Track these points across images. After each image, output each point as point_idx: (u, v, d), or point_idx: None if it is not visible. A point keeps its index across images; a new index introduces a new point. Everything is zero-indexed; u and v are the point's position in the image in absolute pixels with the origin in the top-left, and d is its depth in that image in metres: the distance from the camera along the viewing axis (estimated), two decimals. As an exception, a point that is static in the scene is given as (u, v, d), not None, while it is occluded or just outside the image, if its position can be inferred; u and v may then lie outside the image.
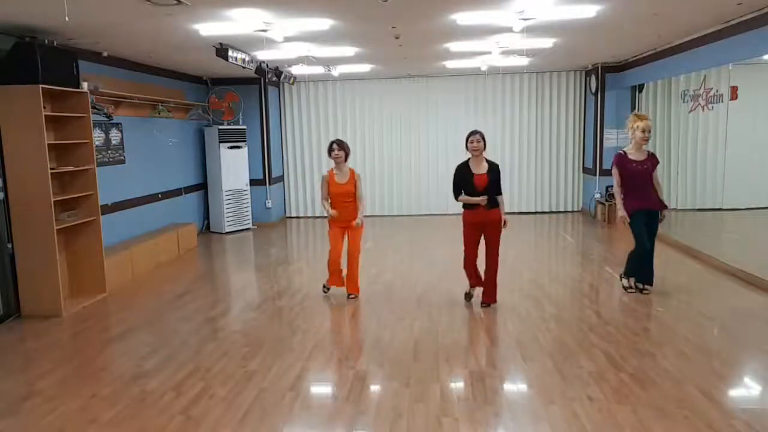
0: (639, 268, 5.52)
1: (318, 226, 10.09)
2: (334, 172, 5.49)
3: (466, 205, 5.14)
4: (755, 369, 4.00)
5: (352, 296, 5.65)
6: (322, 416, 3.39)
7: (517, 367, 3.99)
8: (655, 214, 5.40)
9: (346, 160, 5.47)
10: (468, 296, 5.44)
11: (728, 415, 3.23)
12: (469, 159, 5.12)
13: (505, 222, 5.14)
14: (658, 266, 5.65)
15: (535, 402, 3.45)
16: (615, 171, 5.43)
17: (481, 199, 5.04)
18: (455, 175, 5.15)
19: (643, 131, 5.30)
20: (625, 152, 5.46)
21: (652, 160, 5.41)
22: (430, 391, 3.62)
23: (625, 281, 5.65)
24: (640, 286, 5.55)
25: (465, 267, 5.29)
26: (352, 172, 5.51)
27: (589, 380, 3.69)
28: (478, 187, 5.05)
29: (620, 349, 4.21)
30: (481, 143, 5.06)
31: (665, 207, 5.46)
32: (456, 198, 5.16)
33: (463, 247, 5.21)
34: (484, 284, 5.29)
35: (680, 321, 4.87)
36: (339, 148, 5.42)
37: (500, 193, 5.14)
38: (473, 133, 5.12)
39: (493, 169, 5.11)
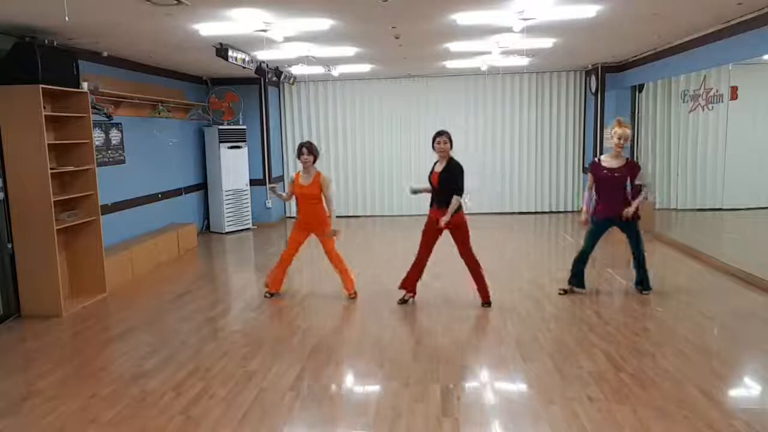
0: (579, 273, 5.57)
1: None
2: (301, 174, 5.56)
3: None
4: (755, 369, 4.00)
5: (352, 296, 5.65)
6: (322, 416, 3.39)
7: (517, 367, 3.99)
8: (626, 223, 5.34)
9: (314, 163, 5.52)
10: (402, 301, 5.46)
11: (728, 415, 3.23)
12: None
13: (439, 221, 5.03)
14: (659, 266, 5.65)
15: (535, 402, 3.45)
16: (589, 175, 5.52)
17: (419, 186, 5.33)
18: None
19: (619, 138, 5.25)
20: (599, 159, 5.49)
21: (629, 169, 5.30)
22: (430, 391, 3.62)
23: (567, 287, 5.65)
24: (639, 288, 5.57)
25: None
26: (318, 174, 5.48)
27: (589, 380, 3.69)
28: (432, 184, 5.19)
29: (620, 349, 4.21)
30: (447, 144, 5.10)
31: (628, 218, 5.25)
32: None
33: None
34: (476, 284, 5.31)
35: (680, 321, 4.87)
36: (308, 153, 5.46)
37: (458, 194, 5.01)
38: (440, 134, 5.12)
39: (449, 169, 5.06)
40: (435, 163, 5.26)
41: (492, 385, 3.74)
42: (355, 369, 4.04)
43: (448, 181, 5.03)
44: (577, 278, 5.61)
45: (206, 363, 4.17)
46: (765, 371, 3.94)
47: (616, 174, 5.28)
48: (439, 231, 5.18)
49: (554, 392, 3.55)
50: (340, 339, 4.82)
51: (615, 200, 5.29)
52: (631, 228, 5.39)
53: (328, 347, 4.48)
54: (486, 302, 5.29)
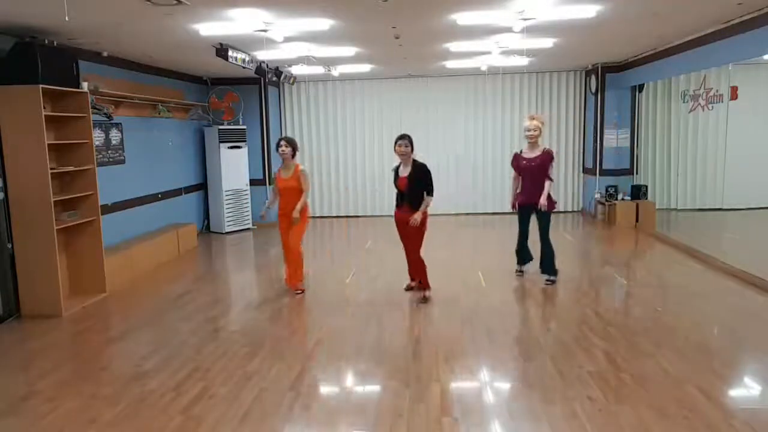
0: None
1: (318, 226, 10.08)
2: (282, 168, 5.76)
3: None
4: (755, 369, 4.00)
5: (298, 291, 5.84)
6: (322, 416, 3.39)
7: (517, 367, 3.99)
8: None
9: (293, 156, 5.69)
10: (408, 287, 5.79)
11: (728, 414, 3.23)
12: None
13: (411, 220, 5.19)
14: (659, 266, 5.64)
15: (535, 402, 3.45)
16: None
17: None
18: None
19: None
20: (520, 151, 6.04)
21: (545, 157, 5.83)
22: (430, 391, 3.62)
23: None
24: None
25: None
26: (297, 167, 5.68)
27: (589, 380, 3.69)
28: (399, 188, 5.35)
29: (620, 349, 4.21)
30: (409, 148, 5.26)
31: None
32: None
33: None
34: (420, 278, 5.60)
35: (680, 321, 4.87)
36: (286, 145, 5.68)
37: (429, 193, 5.24)
38: (401, 137, 5.30)
39: (416, 171, 5.23)
40: (398, 167, 5.39)
41: (492, 385, 3.74)
42: (355, 369, 4.04)
43: (417, 183, 5.21)
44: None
45: (206, 363, 4.17)
46: (765, 371, 3.93)
47: (532, 163, 5.81)
48: (412, 227, 5.28)
49: (554, 392, 3.55)
50: (340, 339, 4.82)
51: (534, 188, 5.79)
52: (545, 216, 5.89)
53: (328, 347, 4.49)
54: (425, 298, 5.47)
